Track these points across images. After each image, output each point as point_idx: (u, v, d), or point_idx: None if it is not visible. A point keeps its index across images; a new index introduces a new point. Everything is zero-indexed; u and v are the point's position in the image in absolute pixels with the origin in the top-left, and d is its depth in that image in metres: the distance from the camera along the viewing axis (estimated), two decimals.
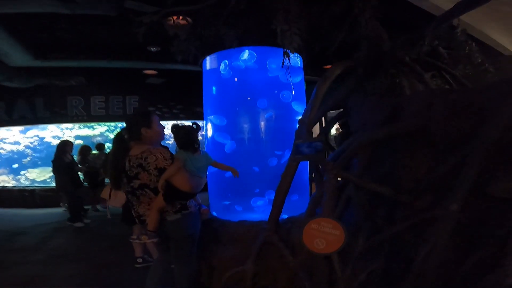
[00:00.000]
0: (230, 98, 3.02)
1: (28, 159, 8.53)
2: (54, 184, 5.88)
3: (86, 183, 6.11)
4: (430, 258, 1.85)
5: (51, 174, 6.21)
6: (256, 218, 2.85)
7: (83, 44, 5.55)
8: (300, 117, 2.66)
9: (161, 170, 2.00)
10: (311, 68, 4.07)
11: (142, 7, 3.31)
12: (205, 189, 2.71)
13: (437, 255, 1.84)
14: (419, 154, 2.46)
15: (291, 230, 2.56)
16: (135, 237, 2.24)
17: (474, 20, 4.26)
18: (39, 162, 8.53)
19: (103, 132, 8.88)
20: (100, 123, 8.57)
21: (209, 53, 3.02)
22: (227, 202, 3.11)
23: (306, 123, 2.56)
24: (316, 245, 1.93)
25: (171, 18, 2.59)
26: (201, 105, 3.32)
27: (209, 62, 3.13)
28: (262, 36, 2.72)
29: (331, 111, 3.35)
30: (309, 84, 3.61)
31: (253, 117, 2.95)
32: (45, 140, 8.65)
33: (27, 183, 8.31)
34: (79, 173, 5.83)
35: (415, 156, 2.50)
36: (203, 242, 2.67)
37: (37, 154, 8.62)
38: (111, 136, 8.85)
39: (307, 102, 2.92)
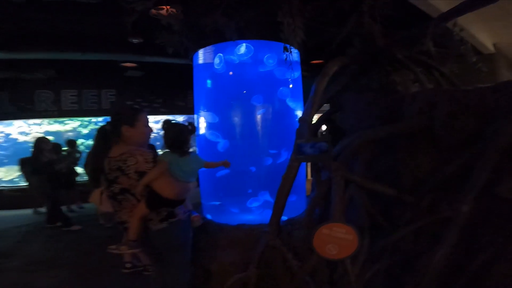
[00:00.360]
0: (223, 94, 2.84)
1: None
2: (23, 184, 5.41)
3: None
4: (439, 257, 1.80)
5: (19, 173, 5.73)
6: (251, 220, 2.72)
7: (53, 35, 5.09)
8: (301, 116, 2.54)
9: (142, 174, 1.77)
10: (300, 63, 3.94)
11: None
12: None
13: (446, 255, 1.79)
14: (420, 154, 2.41)
15: (292, 233, 2.44)
16: (113, 247, 1.95)
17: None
18: (6, 160, 7.87)
19: (75, 127, 8.34)
20: (72, 118, 8.03)
21: (202, 46, 2.81)
22: (220, 204, 2.95)
23: (308, 121, 2.44)
24: (328, 250, 1.82)
25: (164, 7, 2.36)
26: (183, 99, 3.12)
27: (202, 56, 2.92)
28: (260, 30, 2.55)
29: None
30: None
31: (247, 114, 2.80)
32: (11, 136, 8.00)
33: None
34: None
35: (416, 156, 2.45)
36: (199, 246, 2.50)
37: (3, 152, 7.96)
38: (85, 131, 8.33)
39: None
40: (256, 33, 2.57)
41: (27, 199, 6.24)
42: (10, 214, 6.11)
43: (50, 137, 5.54)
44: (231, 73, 2.80)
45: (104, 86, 6.96)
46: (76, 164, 5.59)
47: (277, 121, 2.80)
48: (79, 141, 7.75)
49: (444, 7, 2.96)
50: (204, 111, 2.91)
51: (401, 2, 3.51)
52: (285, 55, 2.61)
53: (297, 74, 2.84)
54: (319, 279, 2.22)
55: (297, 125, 2.84)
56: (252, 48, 2.67)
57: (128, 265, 2.94)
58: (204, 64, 2.96)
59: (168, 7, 2.36)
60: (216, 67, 2.76)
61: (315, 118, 3.09)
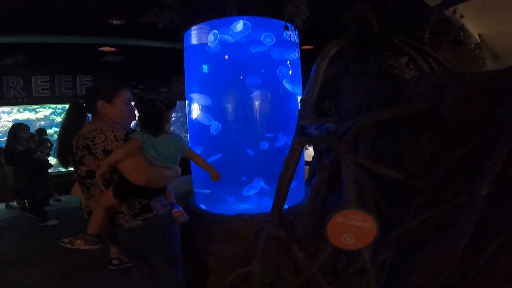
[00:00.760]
0: (217, 75, 2.56)
1: None
2: None
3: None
4: (457, 244, 1.66)
5: None
6: (248, 209, 2.49)
7: (22, 17, 4.53)
8: (302, 97, 2.32)
9: (109, 154, 1.47)
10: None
11: None
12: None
13: (464, 241, 1.65)
14: (425, 137, 2.29)
15: (294, 222, 2.24)
16: (66, 240, 1.53)
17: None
18: None
19: (47, 115, 7.72)
20: (44, 106, 7.41)
21: (194, 23, 2.51)
22: (211, 192, 2.69)
23: (310, 102, 2.22)
24: (343, 241, 1.63)
25: None
26: (166, 85, 2.79)
27: (194, 34, 2.61)
28: (258, 5, 2.29)
29: None
30: None
31: (242, 96, 2.54)
32: None
33: None
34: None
35: (420, 139, 2.31)
36: (194, 240, 2.25)
37: None
38: (58, 119, 7.73)
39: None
40: (254, 9, 2.31)
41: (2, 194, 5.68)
42: None
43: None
44: (226, 57, 2.52)
45: (80, 72, 6.41)
46: (48, 154, 5.08)
47: (275, 103, 2.57)
48: (52, 130, 7.18)
49: None
50: (196, 94, 2.62)
51: None
52: (285, 33, 2.38)
53: (296, 55, 2.60)
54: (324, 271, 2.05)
55: (296, 107, 2.63)
56: (250, 25, 2.40)
57: (115, 261, 2.64)
58: (196, 43, 2.65)
59: None
60: (210, 45, 2.47)
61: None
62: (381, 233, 1.73)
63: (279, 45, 2.50)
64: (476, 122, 2.03)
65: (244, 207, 2.60)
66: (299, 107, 2.28)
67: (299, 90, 2.65)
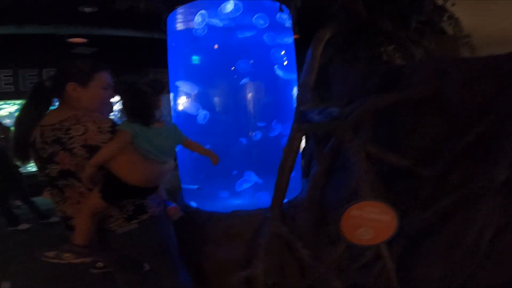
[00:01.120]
0: (204, 61, 2.28)
1: None
2: None
3: None
4: (484, 232, 1.50)
5: None
6: (241, 205, 2.24)
7: None
8: (300, 81, 2.10)
9: (93, 150, 1.17)
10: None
11: None
12: None
13: (491, 229, 1.50)
14: (426, 123, 2.14)
15: (295, 217, 2.02)
16: (51, 254, 1.21)
17: None
18: None
19: (12, 112, 7.00)
20: (8, 102, 6.72)
21: (178, 5, 2.21)
22: (198, 187, 2.41)
23: (309, 86, 2.00)
24: (360, 236, 1.42)
25: None
26: (143, 78, 2.45)
27: (178, 17, 2.30)
28: None
29: None
30: None
31: (232, 83, 2.28)
32: None
33: None
34: None
35: (420, 125, 2.17)
36: (185, 242, 1.96)
37: None
38: None
39: None
40: None
41: None
42: None
43: None
44: (216, 46, 2.24)
45: (46, 65, 5.80)
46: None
47: (268, 89, 2.32)
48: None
49: None
50: (181, 82, 2.32)
51: None
52: (279, 16, 2.15)
53: (290, 40, 2.36)
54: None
55: (291, 94, 2.41)
56: (241, 6, 2.13)
57: (99, 264, 2.27)
58: (181, 28, 2.34)
59: None
60: (196, 27, 2.18)
61: None
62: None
63: (272, 28, 2.25)
64: (480, 107, 1.92)
65: (237, 202, 2.35)
66: (297, 92, 2.06)
67: (293, 76, 2.42)
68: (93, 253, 1.24)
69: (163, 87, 1.38)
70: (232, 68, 2.23)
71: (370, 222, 1.42)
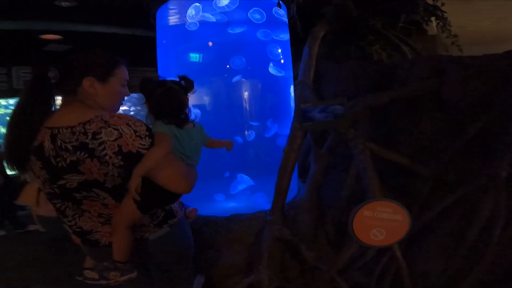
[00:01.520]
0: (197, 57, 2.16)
1: None
2: None
3: None
4: (494, 228, 1.49)
5: None
6: (237, 208, 2.15)
7: None
8: (299, 79, 2.03)
9: (129, 157, 1.00)
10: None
11: None
12: None
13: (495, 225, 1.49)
14: (423, 120, 2.13)
15: (296, 218, 1.94)
16: (94, 275, 1.08)
17: None
18: None
19: None
20: None
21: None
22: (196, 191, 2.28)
23: (308, 83, 1.94)
24: (373, 236, 1.36)
25: None
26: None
27: (169, 11, 2.16)
28: None
29: None
30: None
31: (225, 81, 2.18)
32: None
33: None
34: None
35: (417, 123, 2.16)
36: None
37: None
38: None
39: None
40: None
41: None
42: None
43: None
44: (210, 43, 2.13)
45: (16, 63, 5.37)
46: None
47: (263, 87, 2.24)
48: None
49: None
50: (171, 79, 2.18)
51: None
52: (274, 12, 2.07)
53: (286, 36, 2.28)
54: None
55: (287, 92, 2.33)
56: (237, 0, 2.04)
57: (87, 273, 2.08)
58: (172, 22, 2.21)
59: None
60: (190, 21, 2.05)
61: None
62: None
63: (268, 24, 2.17)
64: (476, 104, 1.93)
65: (233, 205, 2.24)
66: (296, 90, 1.99)
67: (290, 73, 2.34)
68: (135, 268, 1.10)
69: (192, 87, 1.25)
70: (228, 66, 2.12)
71: (382, 222, 1.37)
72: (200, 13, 2.00)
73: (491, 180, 1.58)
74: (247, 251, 1.75)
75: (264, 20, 2.13)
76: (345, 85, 2.70)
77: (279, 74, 2.25)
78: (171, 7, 2.10)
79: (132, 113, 5.54)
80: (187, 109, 1.18)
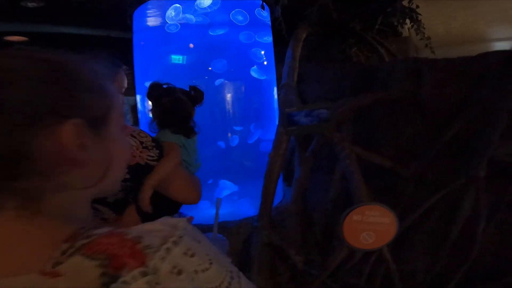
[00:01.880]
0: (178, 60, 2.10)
1: None
2: None
3: None
4: (480, 231, 1.55)
5: None
6: (221, 214, 2.10)
7: None
8: (283, 82, 2.02)
9: (139, 170, 0.96)
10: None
11: None
12: None
13: (481, 223, 1.55)
14: (402, 122, 2.19)
15: (283, 223, 1.93)
16: None
17: None
18: None
19: None
20: None
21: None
22: None
23: (292, 86, 1.94)
24: (363, 240, 1.38)
25: None
26: None
27: (147, 12, 2.08)
28: None
29: None
30: None
31: (207, 84, 2.13)
32: None
33: None
34: None
35: (397, 124, 2.22)
36: None
37: None
38: None
39: None
40: None
41: None
42: None
43: None
44: (191, 45, 2.07)
45: None
46: None
47: (246, 92, 2.21)
48: None
49: None
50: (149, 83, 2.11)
51: None
52: (257, 13, 2.05)
53: (269, 39, 2.26)
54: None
55: (270, 96, 2.32)
56: (219, 0, 1.99)
57: None
58: (150, 23, 2.13)
59: None
60: (169, 22, 1.99)
61: None
62: None
63: (250, 26, 2.14)
64: (453, 106, 2.01)
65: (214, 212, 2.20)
66: (280, 93, 1.98)
67: (273, 77, 2.33)
68: None
69: (202, 97, 1.21)
70: (209, 69, 2.08)
71: (371, 226, 1.38)
72: (181, 14, 1.95)
73: (471, 180, 1.65)
74: (236, 259, 1.72)
75: (247, 22, 2.11)
76: (328, 87, 2.74)
77: (262, 77, 2.24)
78: (150, 8, 2.03)
79: None
80: (192, 120, 1.15)
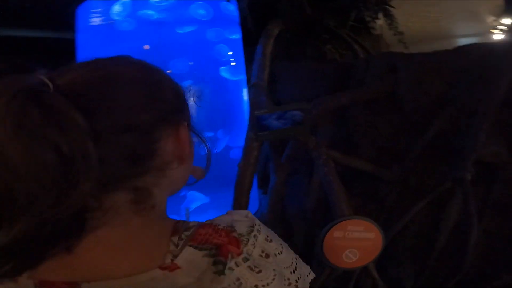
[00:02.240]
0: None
1: None
2: None
3: None
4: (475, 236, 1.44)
5: None
6: None
7: None
8: (253, 81, 1.84)
9: None
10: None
11: None
12: None
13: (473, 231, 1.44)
14: (380, 121, 2.08)
15: None
16: None
17: None
18: None
19: None
20: None
21: None
22: None
23: (263, 86, 1.77)
24: (346, 258, 1.23)
25: None
26: None
27: (96, 8, 1.83)
28: None
29: None
30: None
31: None
32: None
33: None
34: None
35: (375, 124, 2.10)
36: None
37: None
38: None
39: None
40: None
41: None
42: None
43: None
44: (147, 47, 1.86)
45: None
46: None
47: (211, 94, 2.02)
48: None
49: None
50: None
51: None
52: (226, 6, 1.86)
53: (237, 35, 2.08)
54: None
55: (239, 99, 2.14)
56: None
57: None
58: (97, 21, 1.88)
59: None
60: (116, 18, 1.76)
61: None
62: None
63: (216, 22, 1.95)
64: (432, 103, 1.91)
65: None
66: (249, 94, 1.81)
67: (242, 77, 2.15)
68: None
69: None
70: (169, 71, 1.86)
71: (354, 242, 1.24)
72: (129, 9, 1.72)
73: (457, 183, 1.55)
74: None
75: (211, 17, 1.91)
76: (303, 87, 2.58)
77: (231, 78, 2.05)
78: (96, 3, 1.79)
79: None
80: None
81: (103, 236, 0.35)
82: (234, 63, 2.07)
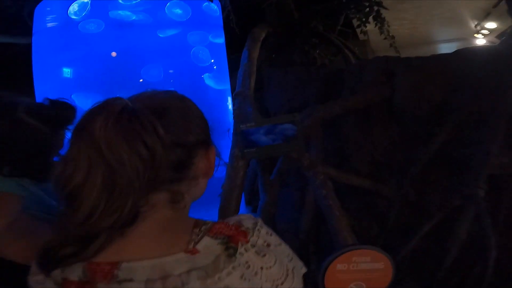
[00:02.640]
0: (99, 68, 1.68)
1: None
2: None
3: None
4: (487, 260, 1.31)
5: None
6: None
7: None
8: (237, 90, 1.67)
9: None
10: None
11: None
12: None
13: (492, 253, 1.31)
14: (376, 131, 1.95)
15: None
16: None
17: None
18: None
19: None
20: None
21: None
22: None
23: (249, 95, 1.61)
24: None
25: None
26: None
27: (56, 6, 1.62)
28: None
29: None
30: None
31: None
32: None
33: None
34: None
35: (371, 133, 1.97)
36: None
37: None
38: None
39: None
40: None
41: None
42: None
43: None
44: (114, 54, 1.67)
45: None
46: None
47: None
48: None
49: None
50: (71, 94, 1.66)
51: None
52: (205, 7, 1.70)
53: (221, 40, 1.92)
54: None
55: (223, 109, 1.98)
56: None
57: None
58: (57, 23, 1.68)
59: None
60: (74, 17, 1.56)
61: None
62: None
63: (196, 25, 1.78)
64: (433, 113, 1.79)
65: None
66: (234, 104, 1.64)
67: (226, 85, 1.98)
68: None
69: (69, 114, 0.81)
70: (141, 80, 1.68)
71: (360, 274, 1.08)
72: (88, 8, 1.53)
73: (467, 200, 1.42)
74: None
75: (189, 17, 1.74)
76: (292, 94, 2.45)
77: (214, 86, 1.88)
78: (56, 5, 1.59)
79: None
80: (55, 153, 0.75)
81: (145, 226, 0.44)
82: (216, 67, 1.90)
